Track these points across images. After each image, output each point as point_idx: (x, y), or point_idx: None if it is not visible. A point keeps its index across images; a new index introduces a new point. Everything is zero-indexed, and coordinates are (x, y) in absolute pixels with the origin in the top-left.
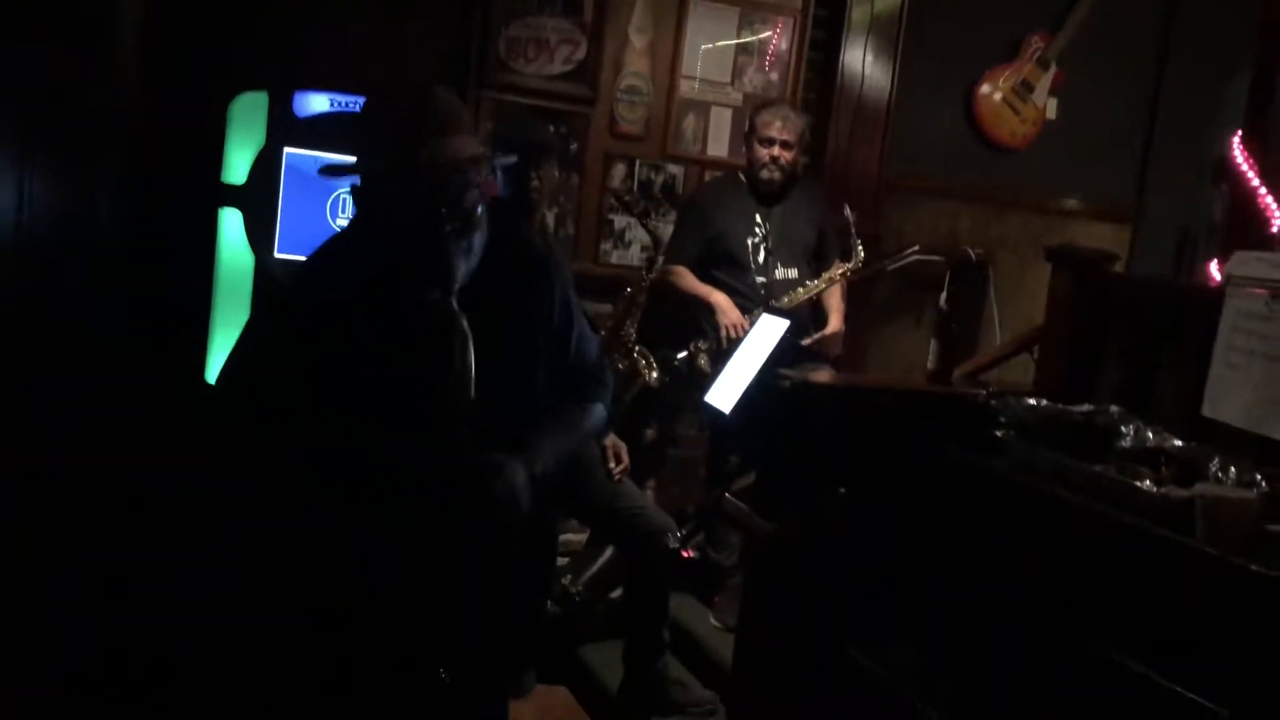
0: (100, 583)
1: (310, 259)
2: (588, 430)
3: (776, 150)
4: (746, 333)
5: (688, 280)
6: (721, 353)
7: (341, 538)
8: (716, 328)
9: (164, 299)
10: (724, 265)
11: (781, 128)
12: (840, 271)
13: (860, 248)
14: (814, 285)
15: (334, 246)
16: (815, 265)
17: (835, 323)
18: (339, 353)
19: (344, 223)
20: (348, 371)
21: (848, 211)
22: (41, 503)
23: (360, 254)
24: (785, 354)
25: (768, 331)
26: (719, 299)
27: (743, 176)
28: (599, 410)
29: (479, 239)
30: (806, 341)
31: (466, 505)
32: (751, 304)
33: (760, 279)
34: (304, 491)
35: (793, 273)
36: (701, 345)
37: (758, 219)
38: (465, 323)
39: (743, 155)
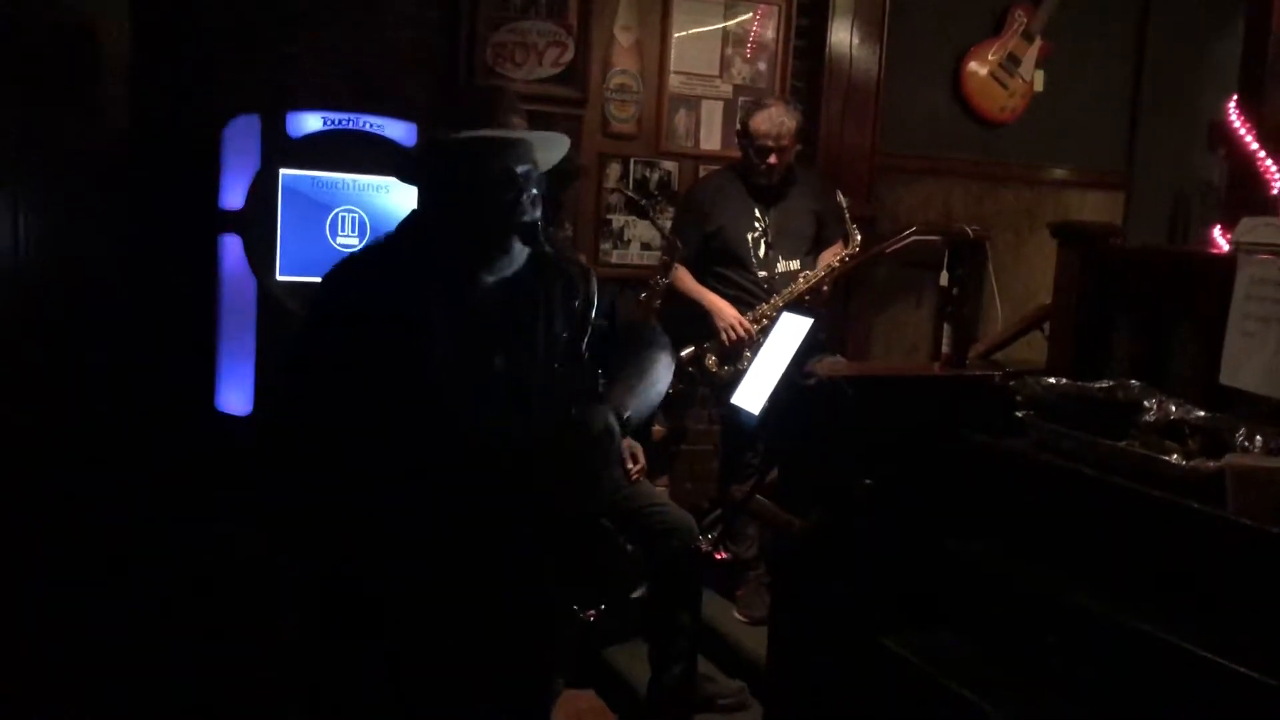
0: (118, 614)
1: (359, 258)
2: (660, 373)
3: (773, 158)
4: (747, 331)
5: (685, 281)
6: (726, 352)
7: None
8: (717, 331)
9: (168, 329)
10: (725, 262)
11: (777, 135)
12: (838, 259)
13: (856, 232)
14: (813, 275)
15: (387, 245)
16: (817, 252)
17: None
18: (418, 333)
19: (347, 242)
20: (430, 349)
21: (841, 197)
22: (60, 536)
23: (425, 239)
24: (810, 350)
25: (791, 330)
26: (713, 300)
27: (737, 172)
28: (664, 358)
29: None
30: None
31: (569, 453)
32: (755, 300)
33: (763, 273)
34: (382, 476)
35: (794, 264)
36: (707, 345)
37: (756, 213)
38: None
39: (736, 147)
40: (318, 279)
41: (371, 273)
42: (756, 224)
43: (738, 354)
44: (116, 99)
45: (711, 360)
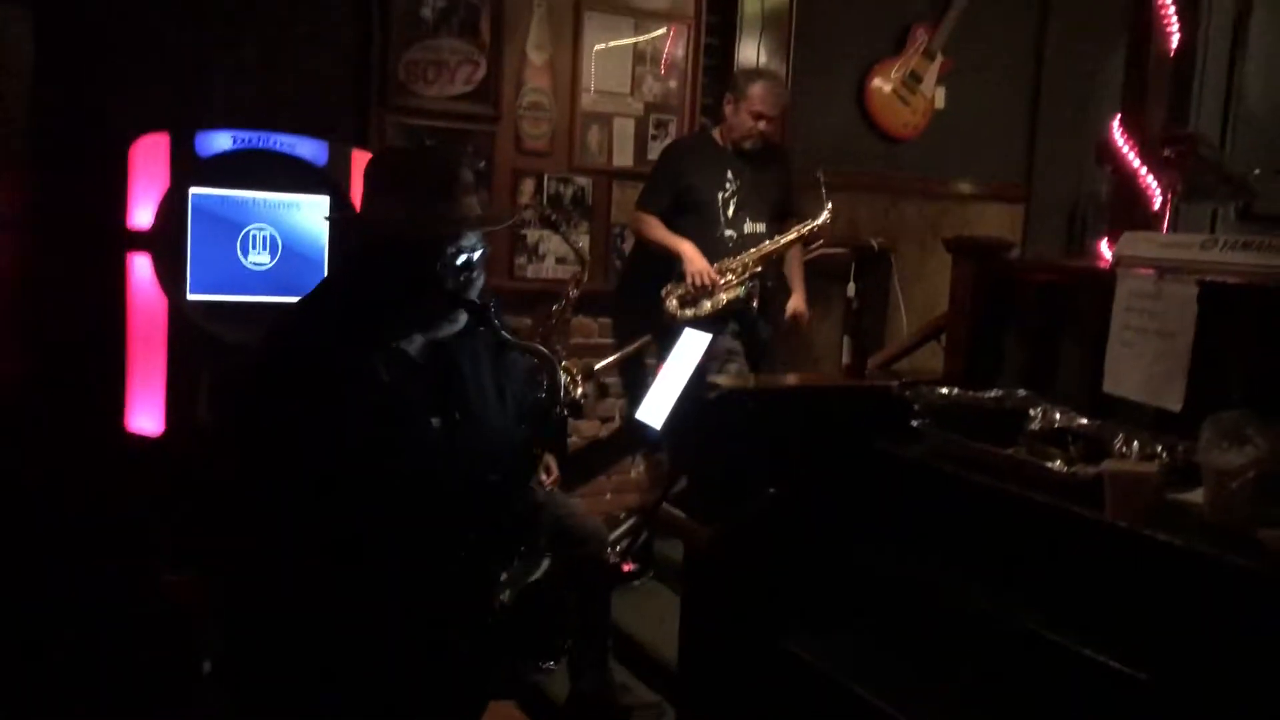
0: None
1: (308, 316)
2: None
3: (764, 125)
4: (712, 280)
5: (657, 230)
6: (690, 298)
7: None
8: (685, 275)
9: (76, 350)
10: (693, 217)
11: (774, 104)
12: (803, 230)
13: (828, 207)
14: (772, 243)
15: (330, 301)
16: (781, 220)
17: (799, 296)
18: (376, 402)
19: (259, 260)
20: (386, 418)
21: (820, 174)
22: None
23: (366, 303)
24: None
25: (691, 347)
26: (685, 248)
27: (717, 135)
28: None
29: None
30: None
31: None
32: (718, 258)
33: (730, 232)
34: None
35: (760, 227)
36: (671, 285)
37: (729, 174)
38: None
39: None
40: (231, 297)
41: (315, 332)
42: (728, 184)
43: (698, 301)
44: (17, 114)
45: (674, 302)
